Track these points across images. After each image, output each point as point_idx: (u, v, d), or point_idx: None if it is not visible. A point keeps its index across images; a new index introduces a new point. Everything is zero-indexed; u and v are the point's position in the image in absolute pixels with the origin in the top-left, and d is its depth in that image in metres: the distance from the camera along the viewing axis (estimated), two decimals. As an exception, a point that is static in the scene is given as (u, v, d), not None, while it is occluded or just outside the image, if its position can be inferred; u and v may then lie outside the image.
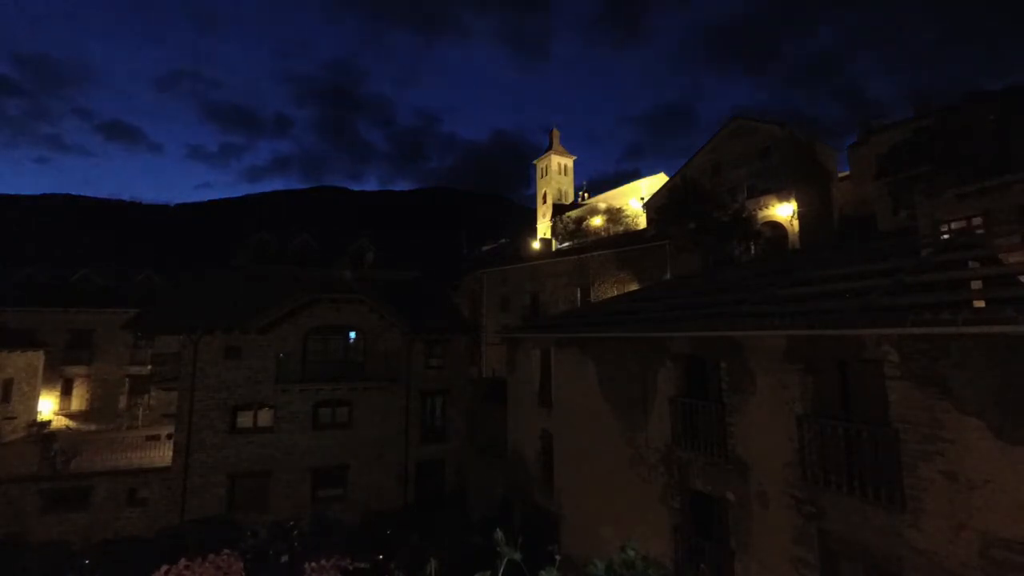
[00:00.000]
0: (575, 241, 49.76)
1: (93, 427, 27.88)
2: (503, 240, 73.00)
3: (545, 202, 64.61)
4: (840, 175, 31.00)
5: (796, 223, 28.31)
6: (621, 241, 35.36)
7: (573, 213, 55.21)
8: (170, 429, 20.17)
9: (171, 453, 18.65)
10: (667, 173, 46.95)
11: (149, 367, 26.14)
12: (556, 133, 66.44)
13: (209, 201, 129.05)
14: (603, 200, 54.79)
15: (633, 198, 50.23)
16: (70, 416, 28.59)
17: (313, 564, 11.35)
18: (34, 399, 26.49)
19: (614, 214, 50.37)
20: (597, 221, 51.42)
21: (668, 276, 26.01)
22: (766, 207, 29.53)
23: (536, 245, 56.14)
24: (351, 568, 12.24)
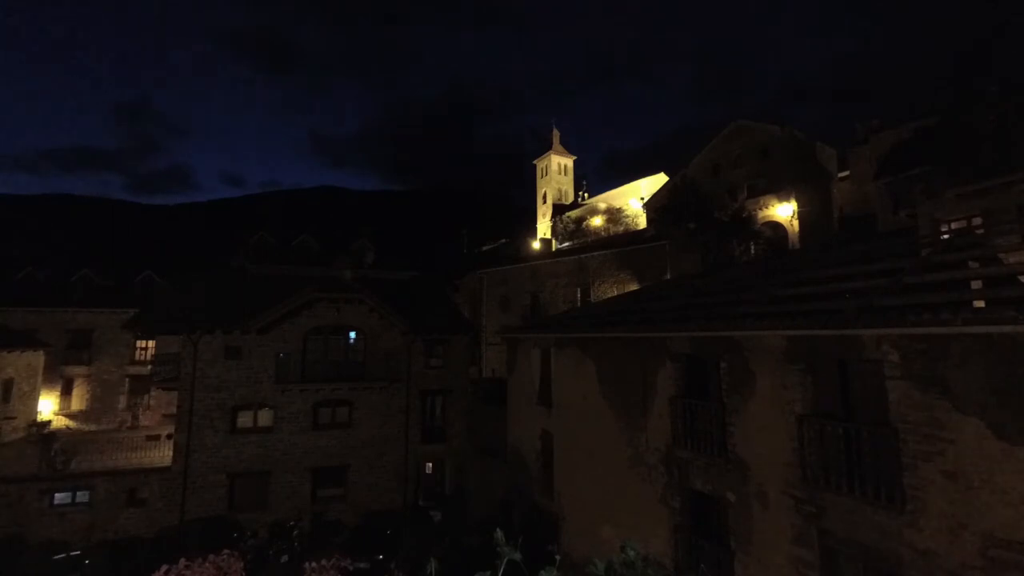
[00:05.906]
0: (575, 241, 49.74)
1: (93, 427, 27.89)
2: (503, 240, 72.84)
3: (545, 202, 64.53)
4: (840, 175, 30.97)
5: (796, 223, 28.30)
6: (621, 241, 35.36)
7: (573, 213, 55.19)
8: (170, 429, 20.17)
9: (171, 453, 18.66)
10: (667, 173, 46.92)
11: (149, 367, 26.15)
12: (556, 133, 66.29)
13: (209, 201, 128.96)
14: (603, 200, 54.74)
15: (633, 198, 50.17)
16: (70, 416, 28.59)
17: (313, 564, 11.33)
18: (34, 399, 26.49)
19: (614, 214, 50.36)
20: (597, 221, 51.42)
21: (668, 276, 26.01)
22: (766, 207, 29.52)
23: (536, 245, 56.07)
24: (351, 568, 12.24)
